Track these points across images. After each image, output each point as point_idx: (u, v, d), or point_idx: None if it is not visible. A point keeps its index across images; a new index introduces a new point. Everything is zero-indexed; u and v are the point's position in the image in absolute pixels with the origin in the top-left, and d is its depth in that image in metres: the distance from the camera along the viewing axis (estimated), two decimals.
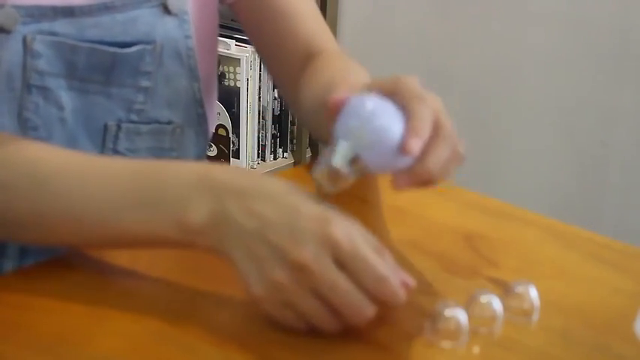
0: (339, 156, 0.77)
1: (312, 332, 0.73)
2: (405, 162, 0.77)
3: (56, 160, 0.81)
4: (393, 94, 0.78)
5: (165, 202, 0.76)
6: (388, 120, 0.76)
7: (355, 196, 0.96)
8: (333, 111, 0.78)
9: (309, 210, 0.73)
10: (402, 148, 0.75)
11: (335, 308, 0.72)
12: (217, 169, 0.77)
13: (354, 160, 0.77)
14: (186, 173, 0.77)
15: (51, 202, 0.79)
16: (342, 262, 0.72)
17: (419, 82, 0.80)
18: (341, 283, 0.71)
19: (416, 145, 0.75)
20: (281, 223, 0.72)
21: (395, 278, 0.73)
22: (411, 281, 0.74)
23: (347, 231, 0.72)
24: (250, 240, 0.73)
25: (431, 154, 0.77)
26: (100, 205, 0.78)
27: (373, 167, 0.77)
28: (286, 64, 1.07)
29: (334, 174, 0.77)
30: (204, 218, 0.74)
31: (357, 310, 0.72)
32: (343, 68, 1.00)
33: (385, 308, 0.73)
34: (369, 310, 0.72)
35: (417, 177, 0.77)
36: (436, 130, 0.77)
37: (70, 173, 0.80)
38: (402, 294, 0.73)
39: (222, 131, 2.23)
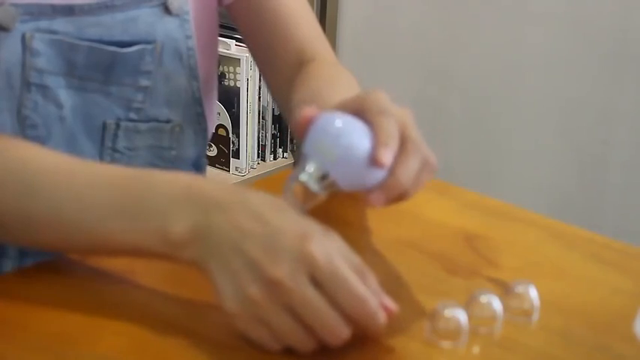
0: (308, 173, 0.77)
1: (288, 352, 0.71)
2: (374, 178, 0.77)
3: (45, 161, 0.81)
4: (361, 111, 0.79)
5: (150, 213, 0.75)
6: (356, 137, 0.77)
7: (355, 196, 0.96)
8: (302, 128, 0.79)
9: (289, 226, 0.72)
10: (372, 161, 0.76)
11: (309, 327, 0.70)
12: (204, 182, 0.76)
13: (323, 177, 0.77)
14: (172, 184, 0.76)
15: (37, 202, 0.78)
16: (319, 280, 0.70)
17: (386, 96, 0.80)
18: (315, 301, 0.69)
19: (386, 156, 0.76)
20: (260, 238, 0.71)
21: (374, 300, 0.71)
22: (394, 306, 0.72)
23: (325, 249, 0.70)
24: (228, 252, 0.71)
25: (401, 166, 0.77)
26: (86, 208, 0.77)
27: (343, 184, 0.78)
28: (278, 69, 1.06)
29: (305, 191, 0.77)
30: (187, 231, 0.73)
31: (332, 330, 0.70)
32: (331, 78, 1.00)
33: (365, 331, 0.71)
34: (343, 331, 0.70)
35: (390, 191, 0.77)
36: (403, 142, 0.78)
37: (58, 175, 0.79)
38: (381, 316, 0.71)
39: (222, 131, 2.23)
